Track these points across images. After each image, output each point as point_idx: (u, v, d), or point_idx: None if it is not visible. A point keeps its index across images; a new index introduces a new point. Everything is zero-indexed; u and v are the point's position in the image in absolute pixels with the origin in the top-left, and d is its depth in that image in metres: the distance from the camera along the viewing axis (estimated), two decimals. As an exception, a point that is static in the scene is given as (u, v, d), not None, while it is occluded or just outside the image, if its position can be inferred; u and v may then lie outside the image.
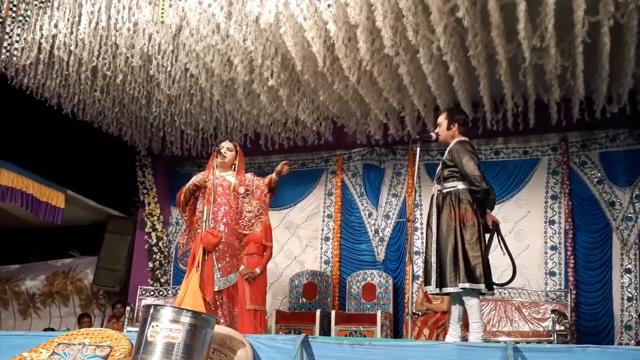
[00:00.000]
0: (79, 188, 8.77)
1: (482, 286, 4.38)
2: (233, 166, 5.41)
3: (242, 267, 6.67)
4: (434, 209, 4.65)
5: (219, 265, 5.13)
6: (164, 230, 9.27)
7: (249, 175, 5.46)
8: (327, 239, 8.68)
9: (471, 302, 4.44)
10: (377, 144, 8.30)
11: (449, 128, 4.75)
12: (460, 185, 4.55)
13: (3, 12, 5.70)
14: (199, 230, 5.23)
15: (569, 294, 7.05)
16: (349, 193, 8.72)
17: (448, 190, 4.60)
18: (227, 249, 5.19)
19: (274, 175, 5.48)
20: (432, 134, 5.01)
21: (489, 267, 4.53)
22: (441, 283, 4.46)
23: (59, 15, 5.71)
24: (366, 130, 7.94)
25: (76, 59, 6.32)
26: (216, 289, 5.07)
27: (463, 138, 4.72)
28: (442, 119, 4.81)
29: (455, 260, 4.42)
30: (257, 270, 6.71)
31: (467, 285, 4.36)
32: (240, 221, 5.34)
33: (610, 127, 7.46)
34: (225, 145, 5.34)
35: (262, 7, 5.13)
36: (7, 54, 6.02)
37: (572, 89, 6.45)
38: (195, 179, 5.22)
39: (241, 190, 5.35)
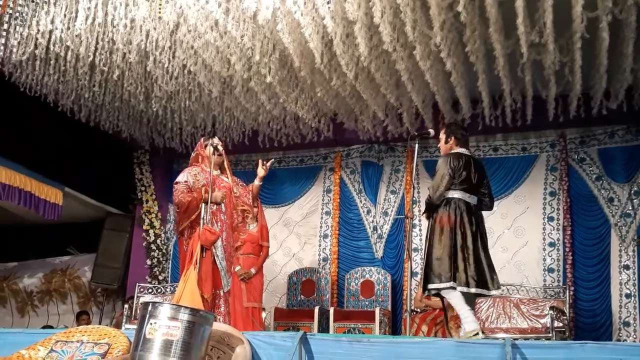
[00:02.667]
0: (76, 185, 8.76)
1: (443, 285, 4.62)
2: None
3: (237, 267, 6.67)
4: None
5: (227, 266, 5.26)
6: (162, 227, 9.26)
7: (237, 179, 5.58)
8: (325, 236, 8.67)
9: (449, 297, 4.67)
10: (375, 140, 8.28)
11: (446, 142, 5.05)
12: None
13: (0, 8, 5.67)
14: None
15: (567, 291, 7.04)
16: (348, 190, 8.71)
17: None
18: (230, 250, 5.31)
19: (257, 182, 5.49)
20: (430, 130, 5.25)
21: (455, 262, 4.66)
22: (424, 286, 4.82)
23: (56, 11, 5.68)
24: (364, 127, 7.92)
25: (73, 55, 6.30)
26: (226, 290, 5.22)
27: (456, 151, 4.94)
28: (442, 134, 5.07)
29: (427, 263, 4.76)
30: (252, 271, 6.74)
31: (430, 286, 4.70)
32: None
33: (608, 124, 7.46)
34: (219, 143, 5.34)
35: (259, 3, 5.11)
36: (4, 49, 6.00)
37: (570, 85, 6.44)
38: (218, 195, 5.16)
39: (235, 190, 5.45)
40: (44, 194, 8.04)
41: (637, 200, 7.28)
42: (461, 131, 5.05)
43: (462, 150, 4.95)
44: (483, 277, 4.67)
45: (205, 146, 5.34)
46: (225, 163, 5.39)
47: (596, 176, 7.58)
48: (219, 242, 5.27)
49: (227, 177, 5.39)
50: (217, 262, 5.20)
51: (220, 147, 5.26)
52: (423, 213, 5.08)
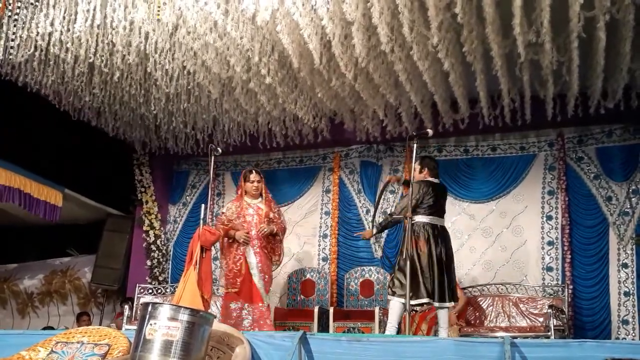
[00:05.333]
0: (76, 187, 8.77)
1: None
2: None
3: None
4: None
5: (264, 285, 6.07)
6: (161, 228, 9.26)
7: (274, 204, 6.60)
8: (325, 236, 8.69)
9: None
10: (374, 140, 8.29)
11: (420, 172, 5.69)
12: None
13: (-1, 10, 5.69)
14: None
15: (566, 289, 7.07)
16: (347, 190, 8.73)
17: None
18: (266, 271, 6.12)
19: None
20: (428, 130, 5.49)
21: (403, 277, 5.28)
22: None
23: (55, 13, 5.70)
24: (364, 127, 7.93)
25: (72, 57, 6.31)
26: (267, 304, 6.04)
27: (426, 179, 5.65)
28: (416, 164, 5.64)
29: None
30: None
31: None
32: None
33: (606, 123, 7.47)
34: (256, 176, 6.24)
35: (258, 4, 5.13)
36: (3, 51, 6.01)
37: (567, 85, 6.46)
38: (238, 235, 6.06)
39: (272, 215, 6.30)
40: (43, 195, 8.05)
41: (635, 198, 7.29)
42: (433, 164, 5.78)
43: (430, 179, 5.65)
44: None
45: (245, 179, 6.20)
46: (264, 191, 6.30)
47: (594, 175, 7.59)
48: (254, 262, 5.96)
49: (264, 203, 6.23)
50: (255, 281, 5.94)
51: (254, 179, 6.16)
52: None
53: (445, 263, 5.41)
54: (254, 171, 6.33)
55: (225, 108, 7.61)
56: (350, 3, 5.12)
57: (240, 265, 5.98)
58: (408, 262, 5.13)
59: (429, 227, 5.46)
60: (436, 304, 5.34)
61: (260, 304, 5.94)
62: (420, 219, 5.46)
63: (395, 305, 5.35)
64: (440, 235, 5.51)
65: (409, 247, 5.23)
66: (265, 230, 6.10)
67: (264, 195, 6.30)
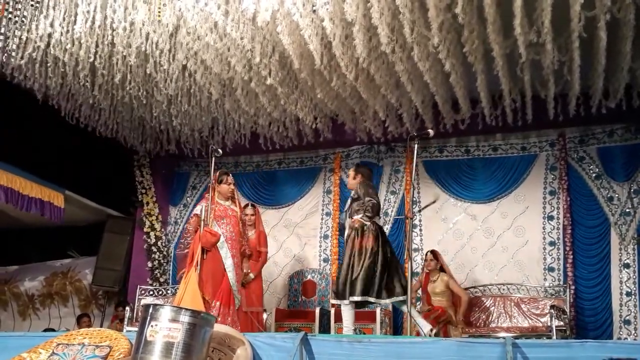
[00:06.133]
0: (77, 188, 8.76)
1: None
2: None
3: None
4: None
5: (238, 285, 5.87)
6: (162, 229, 9.26)
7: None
8: (325, 236, 8.68)
9: None
10: (375, 141, 8.29)
11: (354, 178, 5.91)
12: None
13: (-1, 12, 5.69)
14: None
15: (568, 290, 7.05)
16: (347, 191, 8.70)
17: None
18: (240, 272, 5.95)
19: None
20: (429, 130, 5.57)
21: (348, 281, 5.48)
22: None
23: (55, 14, 5.69)
24: (364, 128, 7.93)
25: (72, 59, 6.31)
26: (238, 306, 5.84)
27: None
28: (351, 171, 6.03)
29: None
30: (252, 275, 6.70)
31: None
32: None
33: (607, 122, 7.46)
34: (232, 180, 6.18)
35: (258, 5, 5.12)
36: (4, 53, 6.01)
37: (569, 84, 6.45)
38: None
39: (243, 217, 6.37)
40: (45, 197, 8.05)
41: (636, 198, 7.28)
42: (367, 171, 6.05)
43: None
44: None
45: (220, 182, 6.03)
46: (235, 193, 6.19)
47: (596, 175, 7.58)
48: (231, 266, 5.79)
49: (237, 206, 6.06)
50: (231, 282, 5.71)
51: (231, 181, 6.07)
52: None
53: (390, 259, 5.54)
54: (230, 174, 6.36)
55: (225, 109, 7.60)
56: (350, 3, 5.11)
57: (219, 270, 5.89)
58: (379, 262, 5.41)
59: (376, 227, 5.60)
60: (385, 301, 5.54)
61: (232, 306, 5.87)
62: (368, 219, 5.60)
63: (344, 308, 5.51)
64: (383, 235, 5.68)
65: (355, 246, 5.45)
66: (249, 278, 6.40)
67: (236, 198, 6.29)
